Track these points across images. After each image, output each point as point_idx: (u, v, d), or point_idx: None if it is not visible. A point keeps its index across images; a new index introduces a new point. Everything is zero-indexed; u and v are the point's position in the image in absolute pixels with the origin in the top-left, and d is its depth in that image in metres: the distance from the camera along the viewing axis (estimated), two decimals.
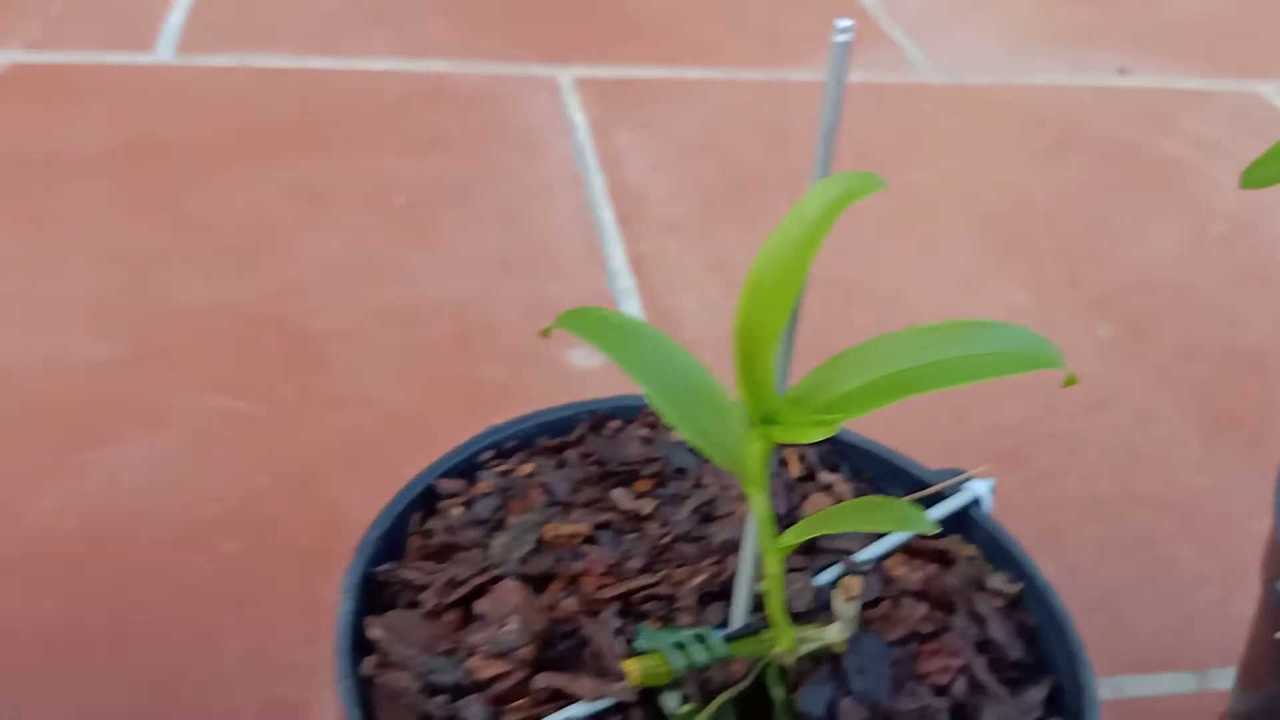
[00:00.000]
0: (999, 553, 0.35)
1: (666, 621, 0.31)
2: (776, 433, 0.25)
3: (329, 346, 0.62)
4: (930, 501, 0.36)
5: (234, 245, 0.69)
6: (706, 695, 0.29)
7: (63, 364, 0.59)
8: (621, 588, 0.31)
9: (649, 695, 0.30)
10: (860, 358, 0.26)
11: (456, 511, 0.34)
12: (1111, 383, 0.65)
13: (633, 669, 0.29)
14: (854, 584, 0.27)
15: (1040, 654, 0.33)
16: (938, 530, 0.25)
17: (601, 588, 0.31)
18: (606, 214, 0.75)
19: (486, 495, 0.34)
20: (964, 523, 0.36)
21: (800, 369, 0.28)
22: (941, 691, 0.30)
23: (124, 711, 0.45)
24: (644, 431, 0.38)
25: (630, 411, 0.39)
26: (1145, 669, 0.49)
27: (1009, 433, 0.61)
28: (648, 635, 0.30)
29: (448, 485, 0.35)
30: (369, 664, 0.30)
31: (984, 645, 0.32)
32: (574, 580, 0.32)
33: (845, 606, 0.27)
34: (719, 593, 0.32)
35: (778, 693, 0.29)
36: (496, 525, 0.34)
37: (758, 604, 0.31)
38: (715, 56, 0.96)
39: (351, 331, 0.64)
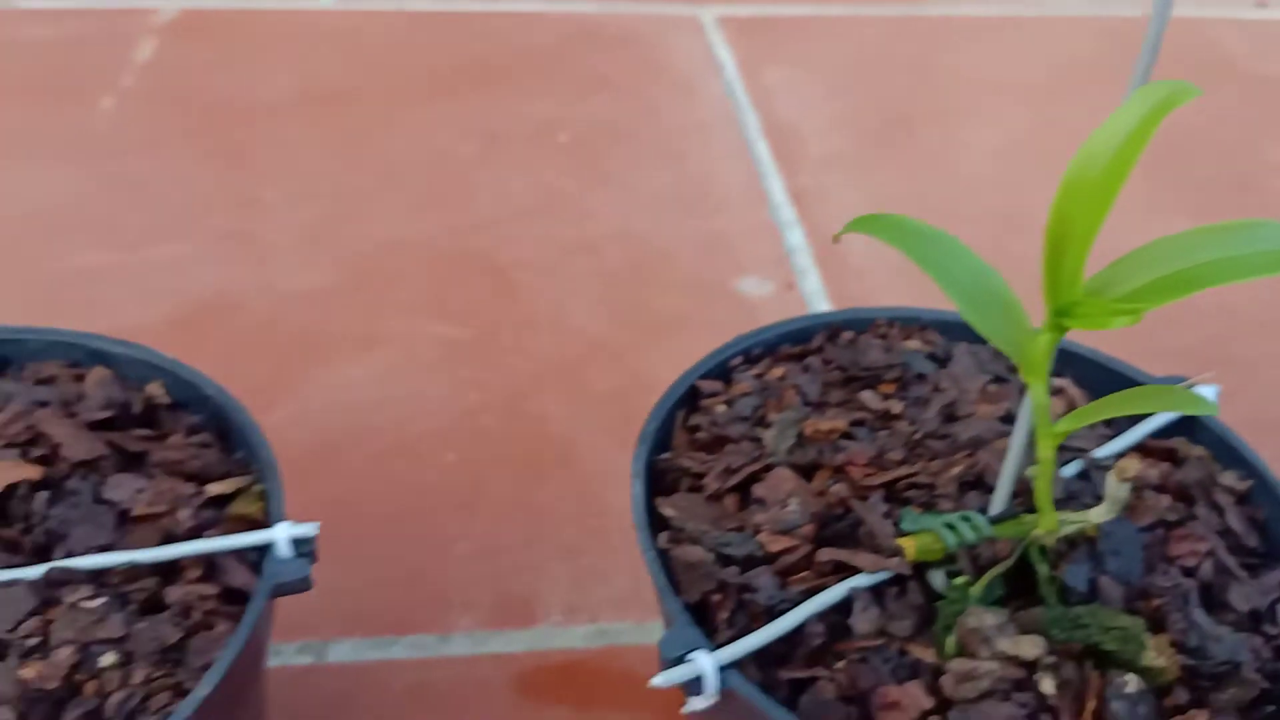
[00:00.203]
0: (1227, 453, 0.37)
1: (928, 507, 0.34)
2: (1075, 322, 0.27)
3: (519, 275, 0.66)
4: None
5: (420, 182, 0.73)
6: (978, 570, 0.32)
7: (277, 291, 0.63)
8: (884, 476, 0.34)
9: (919, 572, 0.33)
10: (1145, 258, 0.28)
11: (720, 409, 0.37)
12: None
13: (908, 546, 0.32)
14: (1130, 465, 0.30)
15: (1272, 543, 0.35)
16: (1215, 411, 0.27)
17: (866, 476, 0.34)
18: (763, 150, 0.78)
19: (746, 395, 0.38)
20: (1191, 426, 0.38)
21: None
22: (1190, 573, 0.33)
23: (368, 607, 0.49)
24: (877, 341, 0.40)
25: (861, 324, 0.41)
26: None
27: (1222, 342, 0.63)
28: (912, 519, 0.33)
29: (708, 385, 0.38)
30: (664, 538, 0.33)
31: (1223, 533, 0.34)
32: (839, 470, 0.35)
33: (1118, 488, 0.30)
34: (975, 482, 0.35)
35: (1042, 569, 0.32)
36: (758, 421, 0.37)
37: (1014, 493, 0.34)
38: None
39: (538, 262, 0.67)
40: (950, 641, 0.31)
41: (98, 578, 0.31)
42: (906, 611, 0.31)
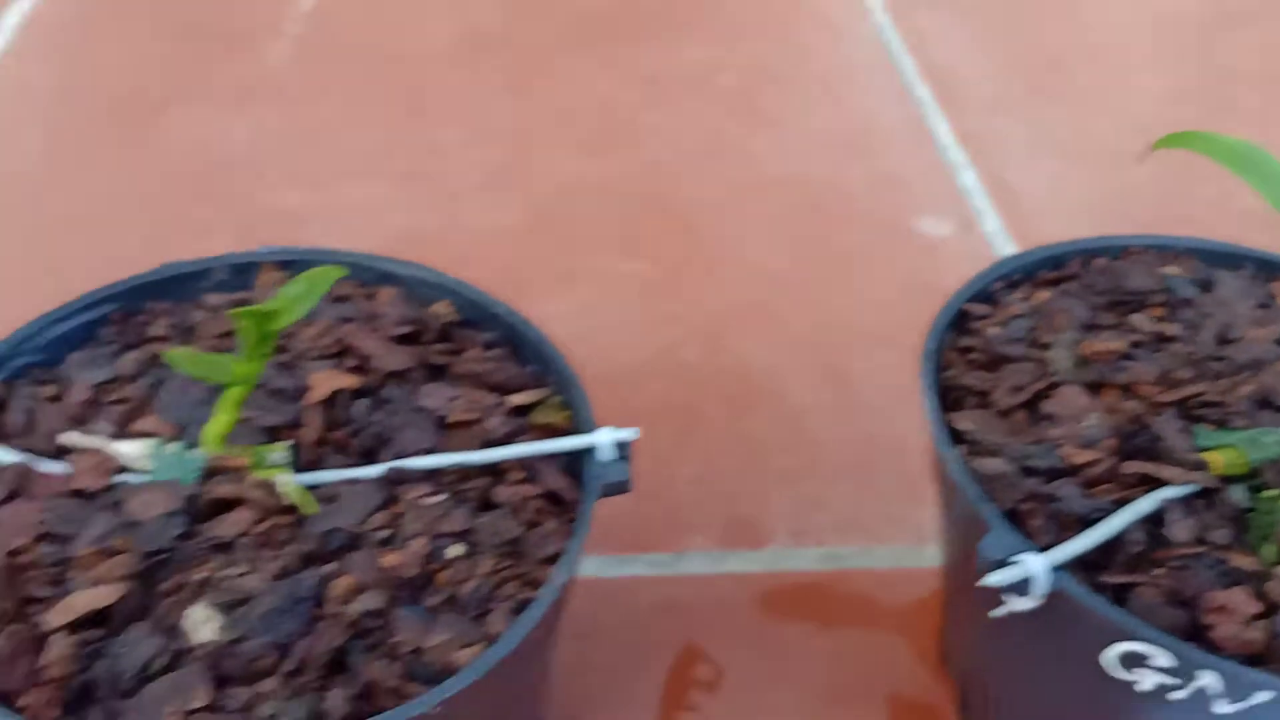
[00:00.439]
0: None
1: (1220, 425, 0.35)
2: None
3: (697, 216, 0.67)
4: None
5: (589, 126, 0.74)
6: None
7: (469, 230, 0.65)
8: (1174, 395, 0.35)
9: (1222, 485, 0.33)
10: None
11: (993, 330, 0.38)
12: None
13: (1215, 459, 0.33)
14: None
15: None
16: None
17: (1157, 394, 0.35)
18: (923, 92, 0.77)
19: (1018, 317, 0.38)
20: None
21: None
22: None
23: (603, 527, 0.50)
24: (1137, 266, 0.41)
25: (1115, 250, 0.42)
26: None
27: None
28: (1206, 435, 0.34)
29: (977, 309, 0.39)
30: (962, 451, 0.34)
31: None
32: (1126, 389, 0.36)
33: None
34: (1264, 402, 0.35)
35: None
36: (1032, 343, 0.38)
37: None
38: None
39: (714, 202, 0.68)
40: (1270, 550, 0.31)
41: (430, 477, 0.33)
42: (1220, 522, 0.32)
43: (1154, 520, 0.32)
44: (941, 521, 0.41)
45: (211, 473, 0.31)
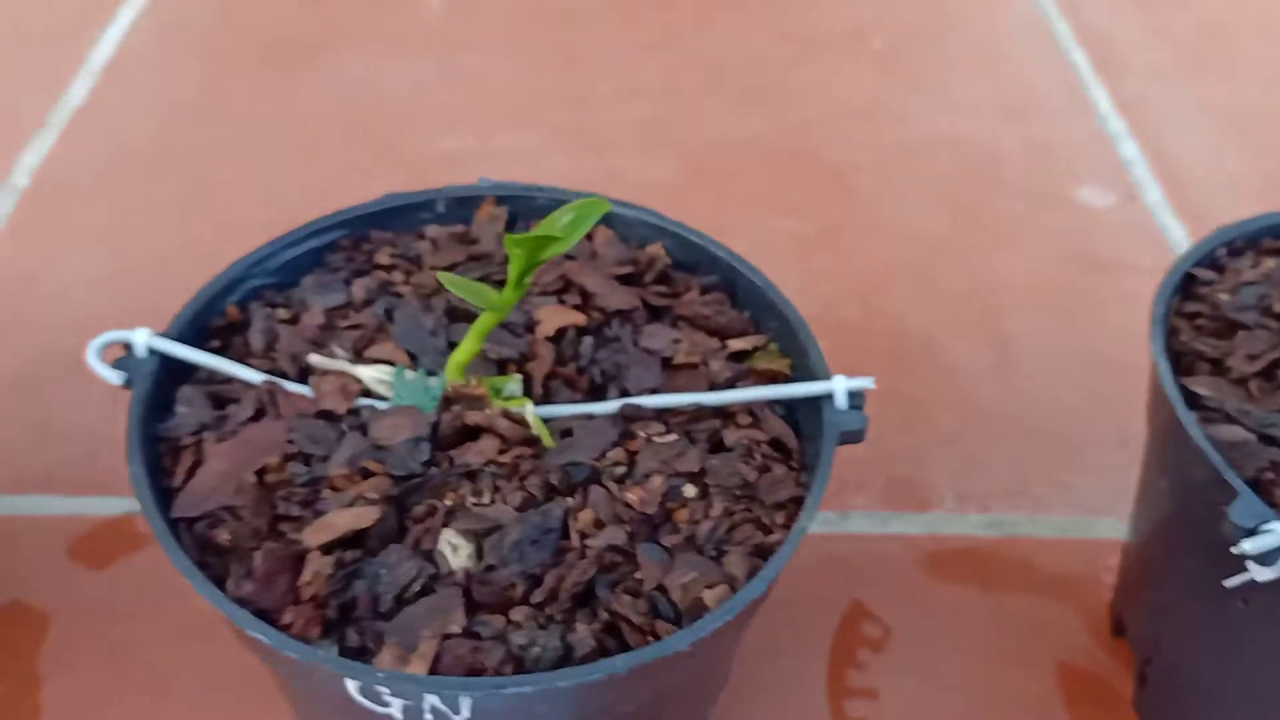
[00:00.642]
0: None
1: None
2: None
3: (851, 176, 0.66)
4: None
5: (742, 83, 0.73)
6: None
7: (626, 182, 0.64)
8: None
9: None
10: None
11: (1223, 297, 0.37)
12: None
13: None
14: None
15: None
16: None
17: None
18: (1080, 58, 0.75)
19: (1248, 284, 0.37)
20: None
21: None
22: None
23: None
24: None
25: None
26: None
27: None
28: None
29: (1204, 274, 0.38)
30: (1195, 418, 0.33)
31: None
32: None
33: None
34: None
35: None
36: (1264, 310, 0.36)
37: None
38: None
39: (869, 163, 0.67)
40: None
41: (659, 416, 0.33)
42: None
43: None
44: (1146, 487, 0.40)
45: (450, 401, 0.32)
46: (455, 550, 0.29)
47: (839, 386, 0.32)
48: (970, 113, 0.71)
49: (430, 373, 0.33)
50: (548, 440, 0.32)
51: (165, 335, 0.33)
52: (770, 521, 0.31)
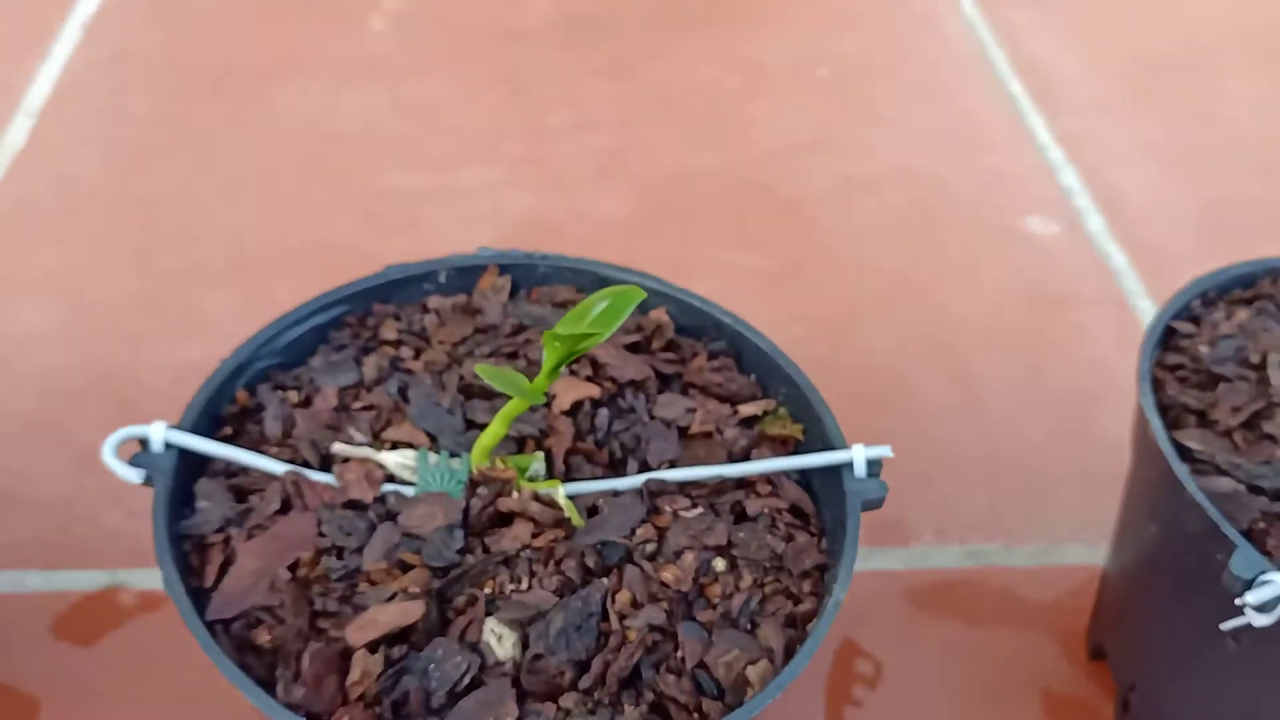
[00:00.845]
0: None
1: None
2: None
3: (808, 210, 0.67)
4: None
5: (694, 113, 0.73)
6: None
7: (587, 218, 0.65)
8: None
9: None
10: None
11: (1203, 349, 0.39)
12: None
13: None
14: None
15: None
16: None
17: None
18: (1018, 89, 0.78)
19: (1227, 336, 0.39)
20: None
21: None
22: None
23: None
24: None
25: None
26: None
27: None
28: None
29: (1183, 327, 0.40)
30: (1185, 470, 0.35)
31: None
32: None
33: None
34: None
35: None
36: (1242, 361, 0.38)
37: None
38: None
39: (823, 196, 0.68)
40: None
41: (684, 489, 0.33)
42: None
43: None
44: (1131, 527, 0.42)
45: (475, 484, 0.32)
46: (500, 640, 0.29)
47: (858, 455, 0.33)
48: (918, 144, 0.73)
49: (453, 454, 0.33)
50: (577, 520, 0.32)
51: (180, 427, 0.32)
52: (799, 591, 0.32)
